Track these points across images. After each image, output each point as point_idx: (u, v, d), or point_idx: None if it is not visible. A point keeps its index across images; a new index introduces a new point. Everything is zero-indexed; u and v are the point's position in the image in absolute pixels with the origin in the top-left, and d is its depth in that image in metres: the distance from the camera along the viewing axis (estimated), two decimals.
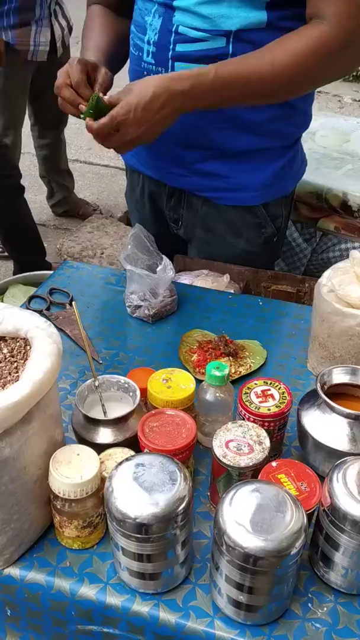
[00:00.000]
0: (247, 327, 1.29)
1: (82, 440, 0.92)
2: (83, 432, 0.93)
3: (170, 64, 1.26)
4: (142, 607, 0.80)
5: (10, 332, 0.89)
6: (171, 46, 1.25)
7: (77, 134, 4.32)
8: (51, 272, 2.67)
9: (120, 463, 0.78)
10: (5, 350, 0.90)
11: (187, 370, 1.11)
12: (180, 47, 1.24)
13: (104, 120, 1.12)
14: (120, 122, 1.12)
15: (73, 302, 0.99)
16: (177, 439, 0.87)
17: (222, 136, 1.32)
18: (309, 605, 0.80)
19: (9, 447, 0.74)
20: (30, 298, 1.36)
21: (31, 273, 2.48)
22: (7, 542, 0.80)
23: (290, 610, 0.79)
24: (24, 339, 0.89)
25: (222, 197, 1.43)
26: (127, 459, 0.79)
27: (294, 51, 1.14)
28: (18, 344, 0.90)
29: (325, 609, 0.80)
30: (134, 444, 0.90)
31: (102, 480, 0.83)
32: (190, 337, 1.24)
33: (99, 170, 3.88)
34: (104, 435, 0.92)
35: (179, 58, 1.25)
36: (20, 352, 0.89)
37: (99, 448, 0.88)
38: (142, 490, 0.74)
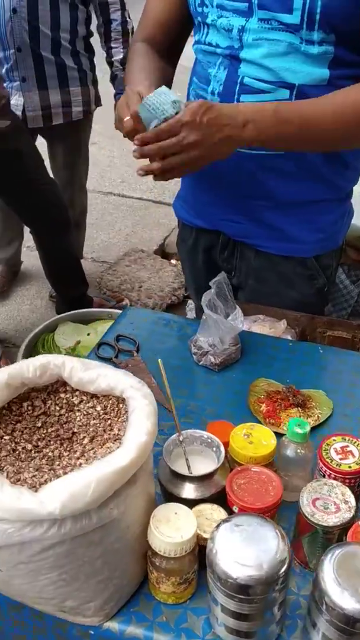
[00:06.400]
0: (310, 375, 1.32)
1: (169, 495, 0.95)
2: (170, 487, 0.96)
3: None
4: None
5: (104, 390, 0.92)
6: (236, 96, 1.30)
7: (110, 167, 4.42)
8: (97, 309, 2.73)
9: (219, 524, 0.82)
10: (98, 407, 0.94)
11: (258, 420, 1.14)
12: (245, 98, 1.29)
13: (168, 122, 1.12)
14: (185, 125, 1.12)
15: (159, 360, 1.02)
16: (265, 497, 0.90)
17: (277, 184, 1.37)
18: None
19: (117, 509, 0.78)
20: (99, 345, 1.40)
21: (79, 311, 2.54)
22: (108, 597, 0.84)
23: None
24: (117, 397, 0.93)
25: (275, 246, 1.46)
26: (224, 520, 0.82)
27: (354, 103, 1.20)
28: (111, 401, 0.93)
29: None
30: (219, 499, 0.93)
31: (197, 537, 0.86)
32: (257, 386, 1.27)
33: (132, 203, 3.94)
34: (189, 490, 0.95)
35: None
36: (113, 409, 0.93)
37: (185, 503, 0.91)
38: (244, 552, 0.77)
